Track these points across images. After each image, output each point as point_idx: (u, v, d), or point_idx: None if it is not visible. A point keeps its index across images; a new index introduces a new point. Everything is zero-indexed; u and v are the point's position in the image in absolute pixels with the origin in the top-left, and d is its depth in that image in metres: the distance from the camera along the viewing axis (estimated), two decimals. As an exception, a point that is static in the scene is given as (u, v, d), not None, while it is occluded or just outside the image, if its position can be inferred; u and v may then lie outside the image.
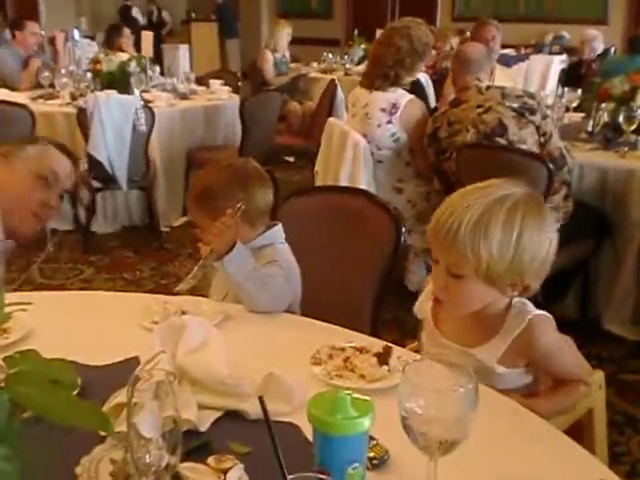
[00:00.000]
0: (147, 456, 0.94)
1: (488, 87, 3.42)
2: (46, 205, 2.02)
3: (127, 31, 6.81)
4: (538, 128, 3.26)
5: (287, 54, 7.67)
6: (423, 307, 1.64)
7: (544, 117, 3.29)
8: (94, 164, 4.49)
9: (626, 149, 3.54)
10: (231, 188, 1.83)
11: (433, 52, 6.17)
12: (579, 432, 1.55)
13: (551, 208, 3.28)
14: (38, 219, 2.03)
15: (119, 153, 4.49)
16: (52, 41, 6.55)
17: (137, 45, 6.18)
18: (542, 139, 3.27)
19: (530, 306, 1.50)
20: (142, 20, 13.34)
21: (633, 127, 3.60)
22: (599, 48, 7.18)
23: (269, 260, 1.79)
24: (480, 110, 3.32)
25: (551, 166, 3.05)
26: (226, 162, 1.95)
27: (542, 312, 1.50)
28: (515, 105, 3.26)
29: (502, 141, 3.24)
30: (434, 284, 1.50)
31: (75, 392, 1.20)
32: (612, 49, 7.75)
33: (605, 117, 3.80)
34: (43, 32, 6.44)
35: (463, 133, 3.35)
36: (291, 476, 0.87)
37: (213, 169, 1.93)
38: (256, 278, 1.71)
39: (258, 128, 5.19)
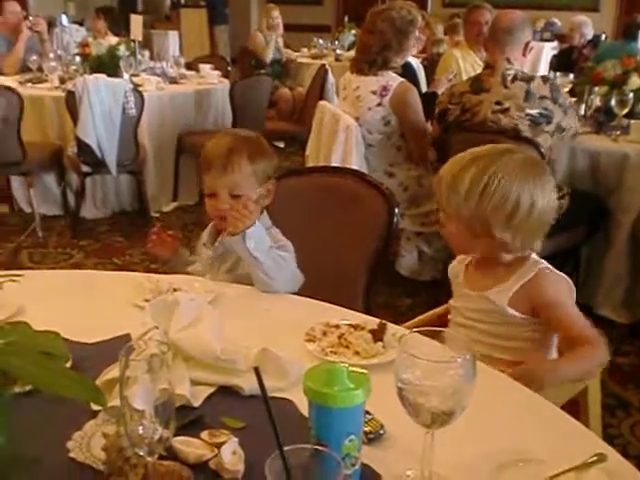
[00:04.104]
0: (140, 428, 0.92)
1: (515, 77, 3.16)
2: None
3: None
4: (555, 130, 3.13)
5: (280, 40, 7.64)
6: (455, 269, 1.85)
7: (564, 112, 3.13)
8: (83, 148, 4.44)
9: (618, 133, 3.53)
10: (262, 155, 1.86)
11: (422, 37, 6.18)
12: (574, 409, 1.54)
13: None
14: None
15: (109, 137, 4.44)
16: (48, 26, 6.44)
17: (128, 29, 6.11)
18: (563, 134, 3.16)
19: (546, 263, 1.68)
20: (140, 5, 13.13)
21: (625, 111, 3.60)
22: (589, 34, 7.18)
23: (276, 242, 1.78)
24: (497, 108, 3.15)
25: (543, 150, 3.03)
26: (235, 131, 1.95)
27: (558, 272, 1.68)
28: (534, 112, 3.09)
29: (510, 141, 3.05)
30: None
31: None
32: (603, 36, 7.75)
33: (597, 101, 3.79)
34: (32, 17, 6.34)
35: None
36: (287, 447, 0.85)
37: (228, 136, 1.90)
38: (273, 255, 1.70)
39: (248, 112, 5.17)
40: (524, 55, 3.35)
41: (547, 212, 1.65)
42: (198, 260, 1.97)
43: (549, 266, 1.68)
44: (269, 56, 7.35)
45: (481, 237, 1.66)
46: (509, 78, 3.18)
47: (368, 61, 3.64)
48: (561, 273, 1.68)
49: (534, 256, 1.70)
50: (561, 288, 1.65)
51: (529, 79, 3.17)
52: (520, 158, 1.66)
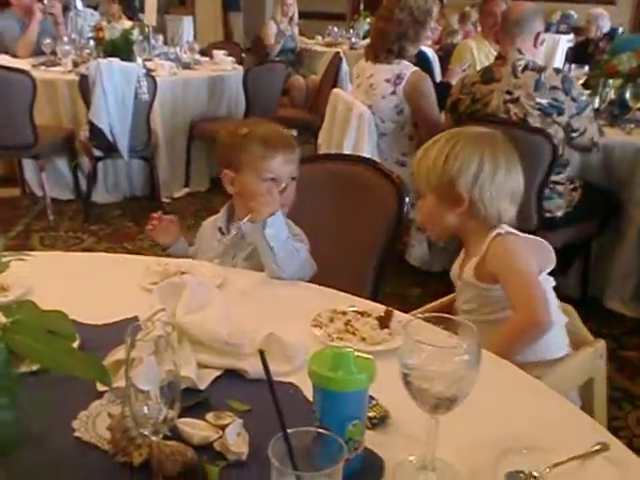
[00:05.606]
0: (145, 408, 0.93)
1: (525, 67, 3.14)
2: None
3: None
4: (566, 126, 3.09)
5: (295, 29, 7.61)
6: (453, 271, 1.89)
7: (578, 113, 3.07)
8: (95, 132, 4.46)
9: (632, 126, 3.52)
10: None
11: (438, 28, 6.15)
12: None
13: (556, 194, 3.24)
14: None
15: (121, 121, 4.44)
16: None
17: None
18: (573, 134, 3.11)
19: (510, 230, 1.73)
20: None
21: (640, 104, 3.58)
22: (605, 26, 7.12)
23: (292, 232, 1.80)
24: (508, 97, 3.14)
25: (555, 141, 3.01)
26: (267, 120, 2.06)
27: (514, 233, 1.71)
28: (544, 102, 3.05)
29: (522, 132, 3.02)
30: None
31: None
32: (620, 29, 7.68)
33: (612, 94, 3.76)
34: (46, 0, 6.34)
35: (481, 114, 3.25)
36: (291, 430, 0.85)
37: (274, 124, 2.00)
38: (288, 247, 1.71)
39: (261, 99, 5.16)
40: (535, 46, 3.33)
41: (513, 180, 1.73)
42: (204, 249, 1.97)
43: (513, 231, 1.71)
44: (275, 51, 7.33)
45: (450, 205, 1.74)
46: (519, 68, 3.16)
47: (384, 49, 3.62)
48: (525, 235, 1.72)
49: (502, 227, 1.73)
50: (511, 253, 1.67)
51: (540, 69, 3.15)
52: (494, 142, 1.75)
